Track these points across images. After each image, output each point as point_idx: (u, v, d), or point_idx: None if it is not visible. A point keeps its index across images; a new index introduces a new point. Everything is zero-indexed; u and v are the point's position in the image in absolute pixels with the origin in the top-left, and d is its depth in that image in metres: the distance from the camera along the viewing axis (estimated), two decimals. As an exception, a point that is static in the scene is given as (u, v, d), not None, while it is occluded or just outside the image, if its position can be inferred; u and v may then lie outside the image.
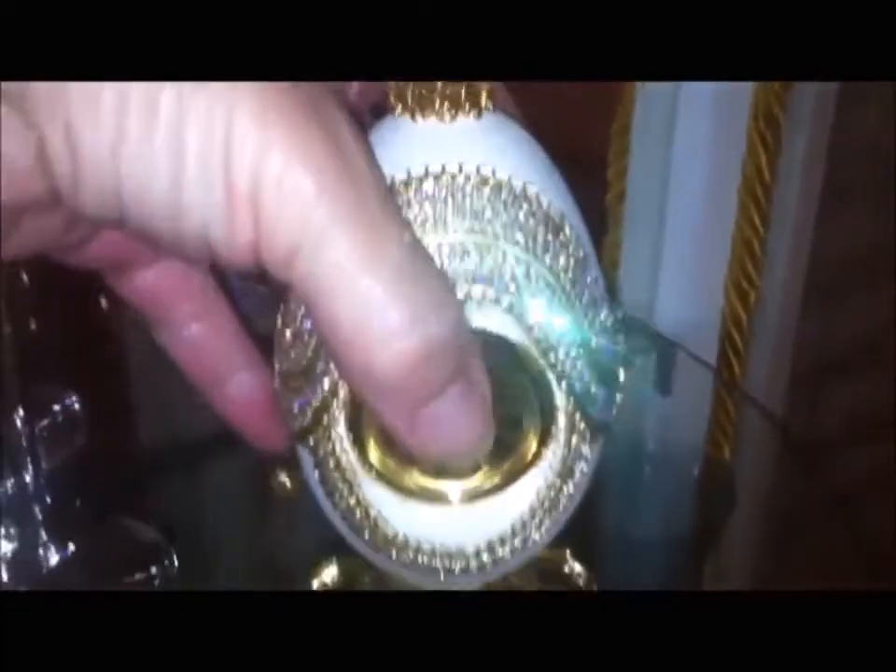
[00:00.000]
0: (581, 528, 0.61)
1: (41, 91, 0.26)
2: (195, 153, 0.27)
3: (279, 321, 0.36)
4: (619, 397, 0.37)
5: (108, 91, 0.26)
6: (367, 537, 0.37)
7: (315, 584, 0.42)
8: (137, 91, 0.26)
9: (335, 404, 0.35)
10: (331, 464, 0.36)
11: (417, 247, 0.30)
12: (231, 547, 0.66)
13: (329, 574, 0.42)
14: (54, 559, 0.59)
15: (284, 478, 0.62)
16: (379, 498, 0.36)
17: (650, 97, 0.78)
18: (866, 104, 0.79)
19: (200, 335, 0.37)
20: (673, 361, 0.78)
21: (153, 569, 0.58)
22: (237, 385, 0.37)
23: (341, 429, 0.36)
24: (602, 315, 0.36)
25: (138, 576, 0.58)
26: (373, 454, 0.36)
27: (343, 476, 0.36)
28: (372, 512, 0.37)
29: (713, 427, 0.75)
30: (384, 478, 0.36)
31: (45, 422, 0.65)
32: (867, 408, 0.92)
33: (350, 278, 0.27)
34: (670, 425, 0.72)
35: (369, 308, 0.27)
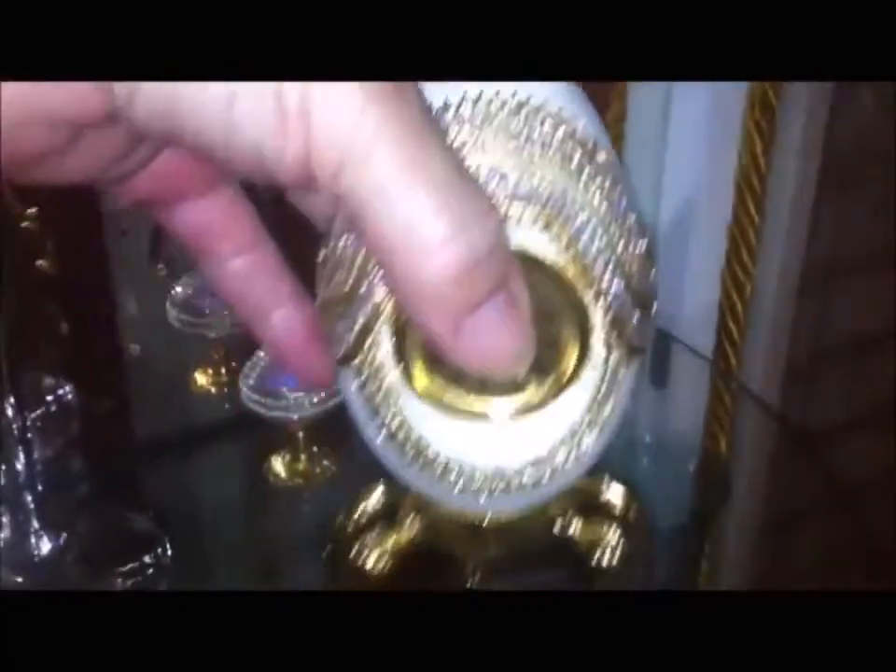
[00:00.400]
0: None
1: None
2: None
3: (322, 250, 0.36)
4: (654, 323, 0.38)
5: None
6: (410, 458, 0.38)
7: (360, 511, 0.42)
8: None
9: (378, 326, 0.36)
10: (375, 386, 0.37)
11: (459, 160, 0.31)
12: (226, 536, 0.66)
13: (375, 499, 0.42)
14: (46, 548, 0.59)
15: (278, 466, 0.62)
16: (422, 419, 0.37)
17: (644, 86, 0.78)
18: (863, 90, 0.79)
19: (245, 268, 0.38)
20: (668, 353, 0.78)
21: (146, 558, 0.58)
22: (282, 318, 0.38)
23: (384, 351, 0.36)
24: (636, 240, 0.37)
25: (131, 565, 0.58)
26: (417, 373, 0.37)
27: (387, 397, 0.37)
28: (415, 433, 0.37)
29: (709, 419, 0.74)
30: (427, 398, 0.37)
31: (38, 411, 0.66)
32: (864, 396, 0.92)
33: (397, 188, 0.28)
34: (666, 417, 0.71)
35: (415, 217, 0.28)
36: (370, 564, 0.44)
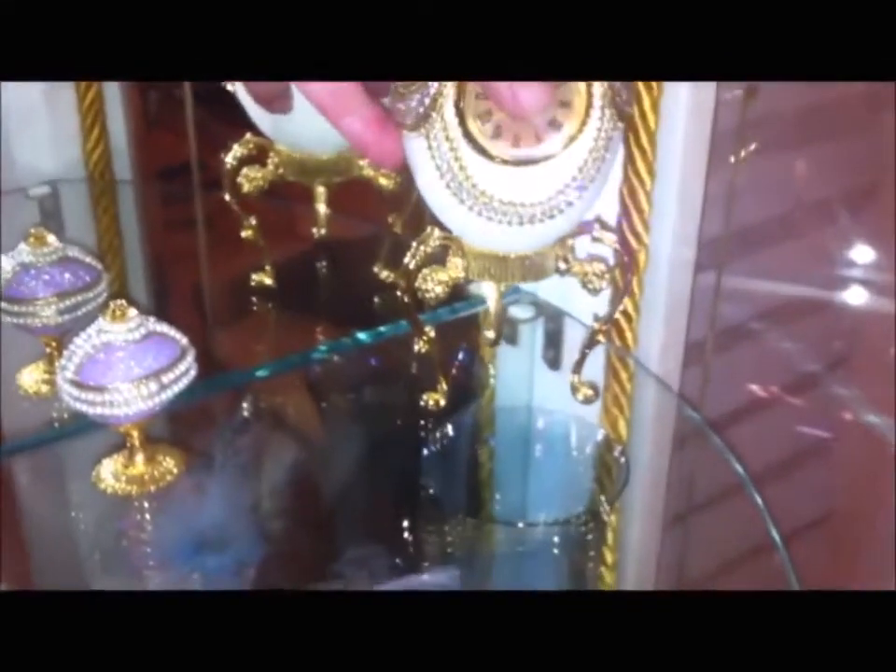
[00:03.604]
0: (478, 503, 0.66)
1: None
2: None
3: None
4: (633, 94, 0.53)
5: None
6: (464, 196, 0.52)
7: (420, 251, 0.55)
8: None
9: (443, 93, 0.51)
10: (441, 141, 0.52)
11: None
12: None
13: (431, 243, 0.55)
14: None
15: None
16: (475, 164, 0.52)
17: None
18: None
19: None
20: (561, 330, 0.78)
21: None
22: (359, 117, 0.50)
23: (448, 114, 0.51)
24: None
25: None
26: (473, 129, 0.51)
27: (451, 148, 0.52)
28: (470, 175, 0.52)
29: (607, 399, 0.74)
30: (479, 148, 0.52)
31: None
32: (761, 374, 0.89)
33: None
34: (562, 398, 0.67)
35: None
36: (430, 292, 0.57)
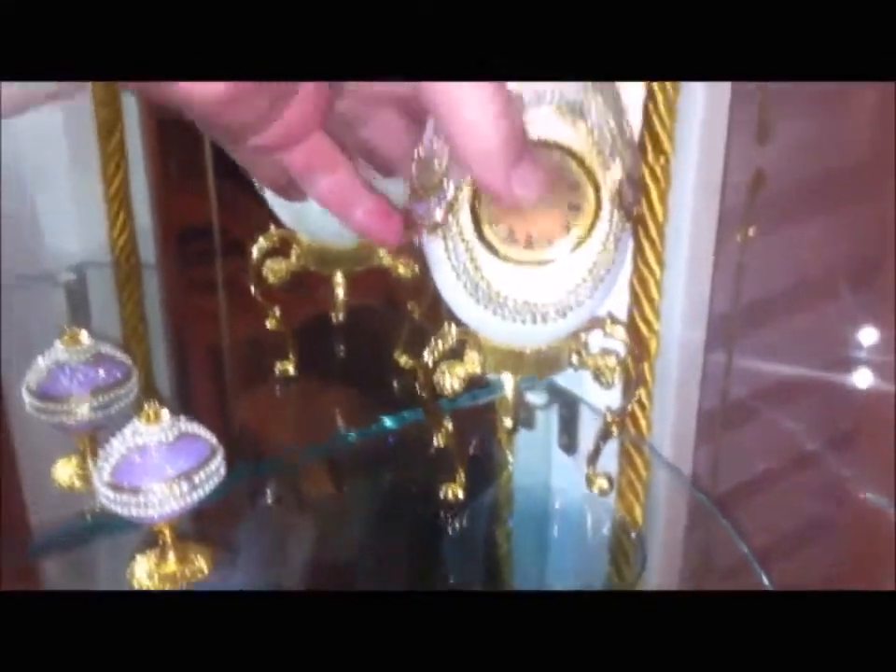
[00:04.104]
0: (496, 581, 0.67)
1: None
2: None
3: (417, 150, 0.55)
4: (639, 196, 0.56)
5: None
6: (479, 296, 0.55)
7: (437, 347, 0.57)
8: None
9: (459, 198, 0.54)
10: (458, 244, 0.54)
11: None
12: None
13: (448, 338, 0.58)
14: None
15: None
16: (490, 265, 0.54)
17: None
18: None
19: (338, 180, 0.52)
20: (576, 416, 0.79)
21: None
22: (364, 211, 0.54)
23: (464, 217, 0.54)
24: (627, 137, 0.55)
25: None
26: (487, 233, 0.54)
27: (467, 250, 0.54)
28: (485, 276, 0.54)
29: (622, 486, 0.74)
30: (493, 250, 0.54)
31: None
32: (768, 451, 0.92)
33: (466, 92, 0.43)
34: (579, 481, 0.69)
35: (479, 111, 0.43)
36: (447, 387, 0.59)
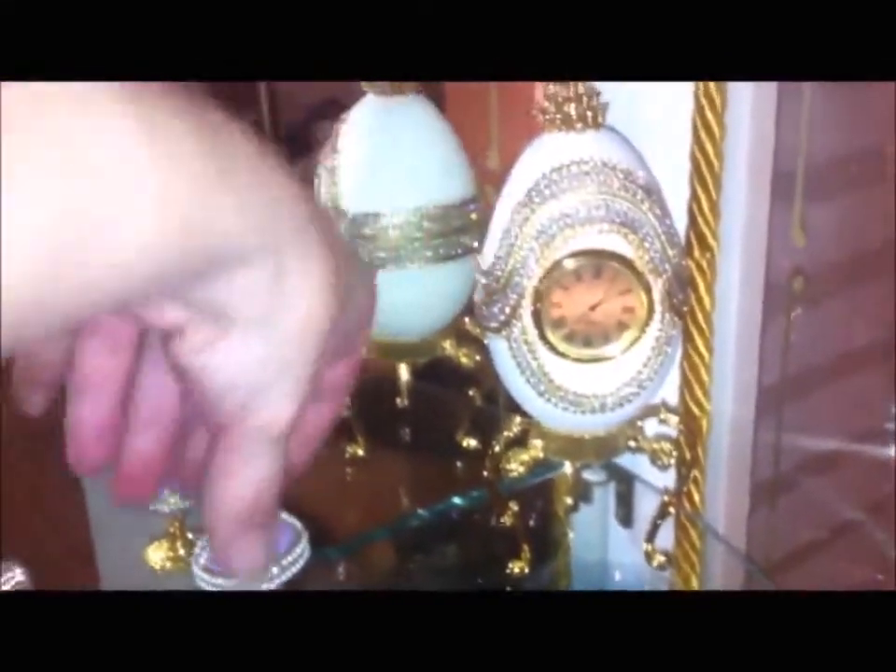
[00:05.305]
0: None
1: None
2: None
3: (477, 258, 0.60)
4: (689, 296, 0.61)
5: None
6: (542, 389, 0.59)
7: (504, 437, 0.62)
8: None
9: (522, 304, 0.59)
10: (521, 344, 0.59)
11: None
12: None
13: (513, 428, 0.62)
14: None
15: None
16: (550, 362, 0.59)
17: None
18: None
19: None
20: (632, 491, 0.80)
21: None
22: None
23: (526, 320, 0.59)
24: (674, 238, 0.60)
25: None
26: (548, 333, 0.59)
27: (529, 349, 0.59)
28: (547, 372, 0.59)
29: (678, 557, 0.76)
30: (553, 349, 0.59)
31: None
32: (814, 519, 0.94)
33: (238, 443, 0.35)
34: (636, 554, 0.71)
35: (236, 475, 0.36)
36: (513, 472, 0.64)
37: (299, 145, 0.77)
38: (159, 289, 0.30)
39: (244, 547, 0.37)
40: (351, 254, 0.38)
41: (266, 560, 0.40)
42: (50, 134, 0.26)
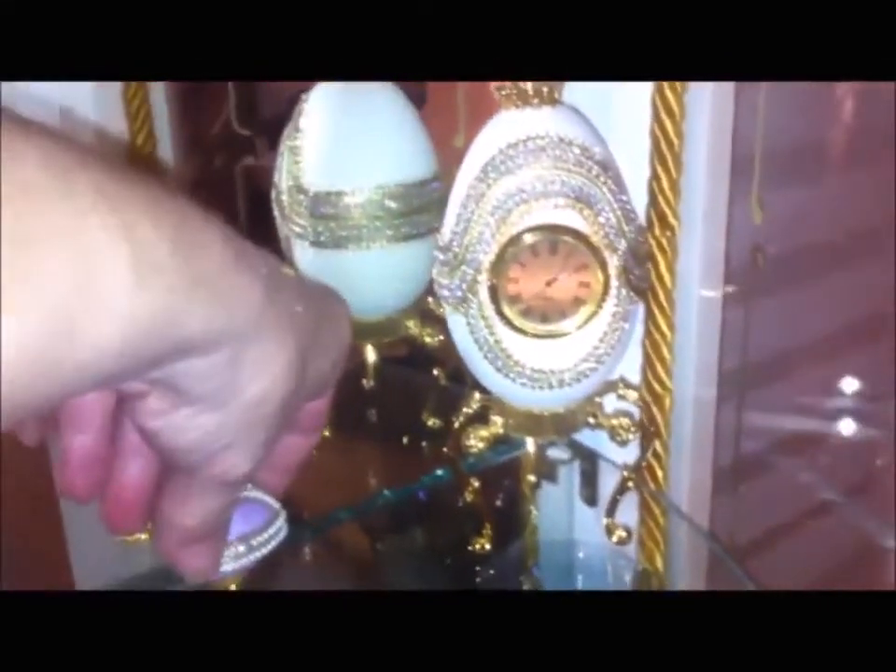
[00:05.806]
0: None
1: None
2: None
3: (440, 233, 0.61)
4: (648, 272, 0.61)
5: None
6: (500, 365, 0.60)
7: (463, 413, 0.62)
8: None
9: (479, 279, 0.59)
10: (478, 320, 0.60)
11: None
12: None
13: (473, 404, 0.63)
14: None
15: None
16: (507, 338, 0.60)
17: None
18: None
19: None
20: (596, 470, 0.81)
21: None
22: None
23: (483, 296, 0.59)
24: (630, 213, 0.60)
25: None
26: (505, 309, 0.59)
27: (487, 325, 0.60)
28: (505, 348, 0.60)
29: (643, 536, 0.76)
30: (510, 324, 0.59)
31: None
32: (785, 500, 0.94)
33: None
34: (601, 533, 0.72)
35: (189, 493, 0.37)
36: (473, 448, 0.64)
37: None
38: (120, 380, 0.31)
39: (187, 558, 0.39)
40: (321, 298, 0.39)
41: (212, 567, 0.41)
42: (29, 241, 0.26)
